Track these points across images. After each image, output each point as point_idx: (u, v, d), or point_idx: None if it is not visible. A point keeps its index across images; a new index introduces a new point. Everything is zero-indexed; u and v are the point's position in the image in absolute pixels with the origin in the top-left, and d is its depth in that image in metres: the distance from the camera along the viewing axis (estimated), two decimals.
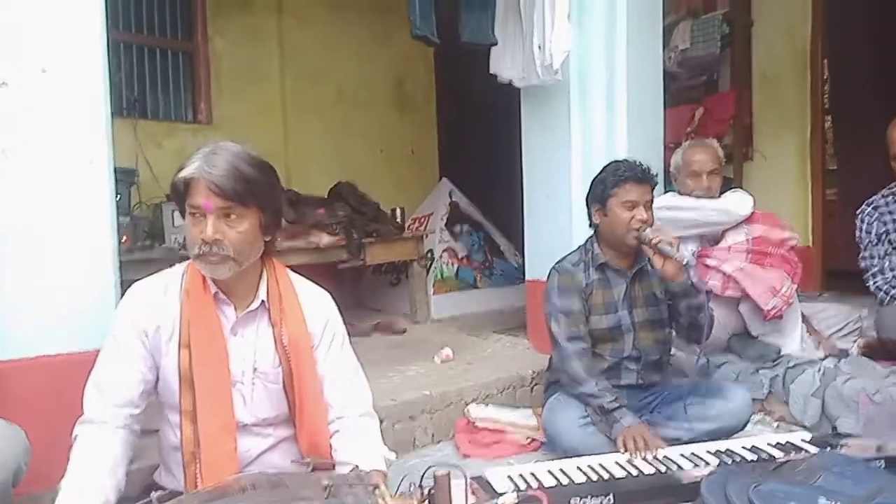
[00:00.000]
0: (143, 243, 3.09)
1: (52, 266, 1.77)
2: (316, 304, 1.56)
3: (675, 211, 2.73)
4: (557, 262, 2.28)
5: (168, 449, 1.48)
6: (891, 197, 2.63)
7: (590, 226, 2.26)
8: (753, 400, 2.46)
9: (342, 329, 1.60)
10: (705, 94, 4.59)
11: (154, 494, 1.08)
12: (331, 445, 1.48)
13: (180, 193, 1.39)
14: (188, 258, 1.47)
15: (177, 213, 2.96)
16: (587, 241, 2.28)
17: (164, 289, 1.47)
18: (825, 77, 4.54)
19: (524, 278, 3.30)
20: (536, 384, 2.77)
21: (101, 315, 1.75)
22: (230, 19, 4.42)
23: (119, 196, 3.08)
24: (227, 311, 1.47)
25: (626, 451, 1.87)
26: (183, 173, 1.36)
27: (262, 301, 1.48)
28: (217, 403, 1.38)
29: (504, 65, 2.97)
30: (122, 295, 1.52)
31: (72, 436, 1.38)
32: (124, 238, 2.86)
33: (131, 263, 2.72)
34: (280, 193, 1.51)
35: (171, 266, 1.53)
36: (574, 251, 2.30)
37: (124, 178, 3.24)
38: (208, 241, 1.35)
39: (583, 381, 2.10)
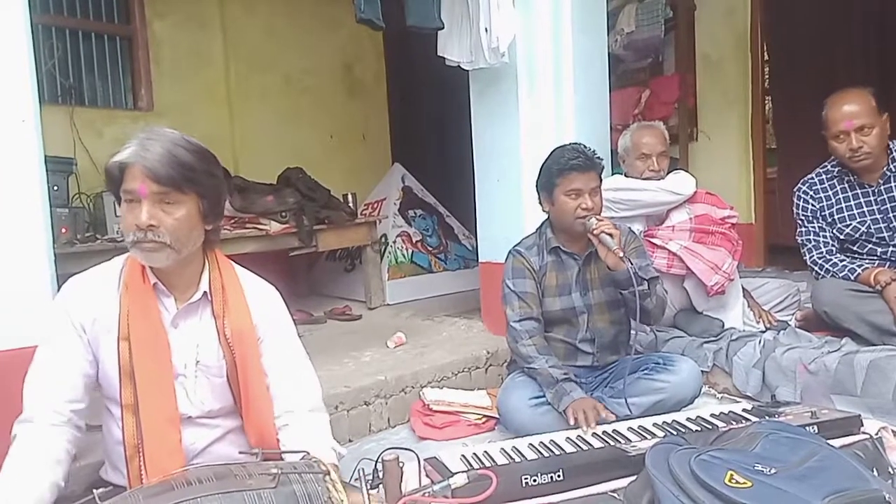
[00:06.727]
0: (85, 235, 2.98)
1: None
2: (261, 297, 1.53)
3: (621, 192, 2.80)
4: (514, 246, 2.30)
5: (112, 444, 1.43)
6: (825, 175, 2.70)
7: (543, 211, 2.27)
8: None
9: (289, 322, 1.57)
10: (651, 77, 4.69)
11: (97, 491, 1.05)
12: (278, 440, 1.46)
13: (115, 179, 1.35)
14: None
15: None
16: (542, 224, 2.31)
17: (101, 281, 1.42)
18: (765, 59, 4.68)
19: (478, 261, 3.32)
20: (491, 365, 2.81)
21: (38, 309, 1.69)
22: (169, 3, 4.27)
23: (56, 187, 2.98)
24: (168, 303, 1.43)
25: (575, 423, 1.89)
26: (117, 158, 1.34)
27: (205, 292, 1.45)
28: (159, 396, 1.35)
29: (451, 48, 2.96)
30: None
31: (10, 435, 1.32)
32: (63, 230, 2.76)
33: (72, 256, 2.63)
34: (221, 180, 1.47)
35: (110, 259, 1.49)
36: (531, 234, 2.33)
37: (61, 168, 3.12)
38: (143, 227, 1.31)
39: (533, 359, 2.13)
